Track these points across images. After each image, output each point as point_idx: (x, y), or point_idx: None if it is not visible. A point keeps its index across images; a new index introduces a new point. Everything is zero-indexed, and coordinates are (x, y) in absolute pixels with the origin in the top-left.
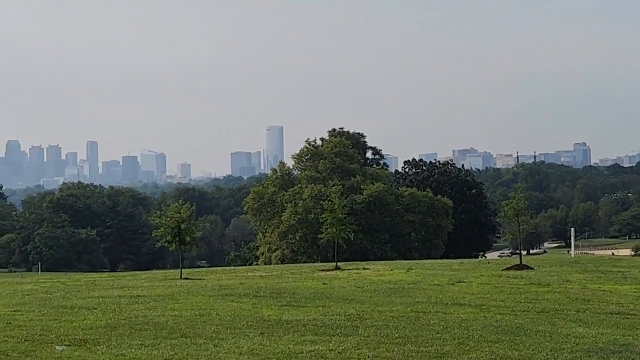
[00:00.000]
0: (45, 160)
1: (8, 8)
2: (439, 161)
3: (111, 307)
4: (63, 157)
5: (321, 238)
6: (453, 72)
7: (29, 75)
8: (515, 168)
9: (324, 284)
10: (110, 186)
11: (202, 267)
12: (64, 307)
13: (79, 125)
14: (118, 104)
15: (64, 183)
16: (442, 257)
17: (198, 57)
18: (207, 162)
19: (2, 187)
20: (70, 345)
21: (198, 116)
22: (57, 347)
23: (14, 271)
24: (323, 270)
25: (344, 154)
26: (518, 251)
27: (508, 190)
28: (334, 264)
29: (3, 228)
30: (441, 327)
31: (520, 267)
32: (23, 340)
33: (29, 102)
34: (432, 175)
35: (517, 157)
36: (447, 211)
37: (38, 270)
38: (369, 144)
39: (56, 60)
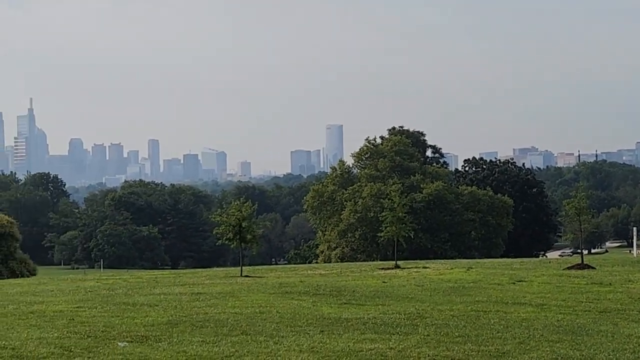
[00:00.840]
0: (107, 158)
1: (69, 9)
2: (499, 160)
3: (172, 304)
4: (125, 155)
5: (381, 236)
6: (514, 71)
7: (91, 75)
8: (576, 167)
9: (384, 282)
10: (171, 184)
11: (264, 264)
12: (126, 304)
13: (141, 124)
14: (180, 102)
15: (125, 181)
16: (502, 256)
17: (259, 57)
18: (267, 161)
19: (65, 184)
20: (132, 342)
21: (258, 115)
22: (119, 344)
23: (77, 268)
24: (383, 268)
25: (404, 152)
26: (579, 250)
27: (569, 189)
28: (394, 262)
29: (66, 225)
30: (502, 326)
31: (582, 266)
32: (86, 337)
33: (91, 101)
34: (493, 174)
35: (579, 156)
36: (507, 210)
37: (100, 267)
38: (429, 142)
39: (118, 59)
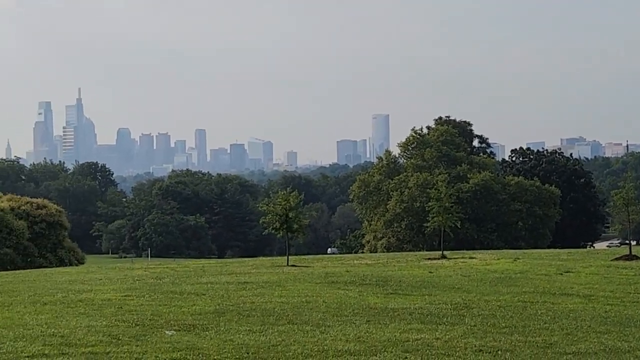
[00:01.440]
0: (154, 147)
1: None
2: (546, 150)
3: (219, 293)
4: (172, 145)
5: (427, 227)
6: (562, 60)
7: (138, 65)
8: (624, 157)
9: (430, 272)
10: (218, 174)
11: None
12: (173, 293)
13: (188, 114)
14: (226, 92)
15: (173, 170)
16: (549, 247)
17: (305, 46)
18: (313, 150)
19: (113, 174)
20: (179, 330)
21: (304, 104)
22: (166, 332)
23: (125, 257)
24: (429, 258)
25: (450, 142)
26: (627, 241)
27: (617, 180)
28: (440, 252)
29: (114, 214)
30: (549, 317)
31: (630, 257)
32: (134, 325)
33: (139, 91)
34: (540, 164)
35: (627, 146)
36: (554, 200)
37: (148, 256)
38: (476, 132)
39: (165, 49)
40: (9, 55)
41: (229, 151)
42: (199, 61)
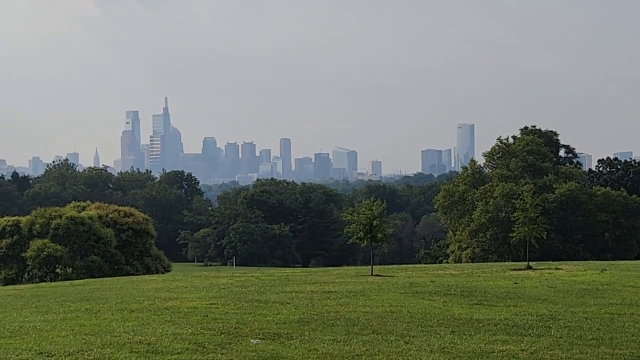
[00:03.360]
0: (240, 157)
1: (202, 7)
2: (634, 160)
3: (304, 302)
4: (257, 154)
5: (512, 237)
6: None
7: (222, 74)
8: None
9: (516, 283)
10: (302, 183)
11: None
12: (258, 301)
13: (273, 123)
14: (311, 101)
15: (258, 179)
16: (636, 258)
17: (391, 55)
18: (398, 160)
19: (199, 182)
20: (264, 339)
21: (389, 114)
22: (252, 341)
23: (210, 265)
24: (514, 269)
25: (536, 152)
26: None
27: None
28: (526, 263)
29: (199, 223)
30: (636, 330)
31: None
32: (219, 333)
33: (224, 100)
34: (627, 175)
35: None
36: None
37: (233, 265)
38: (562, 142)
39: (250, 58)
40: (97, 64)
41: (313, 160)
42: (283, 70)
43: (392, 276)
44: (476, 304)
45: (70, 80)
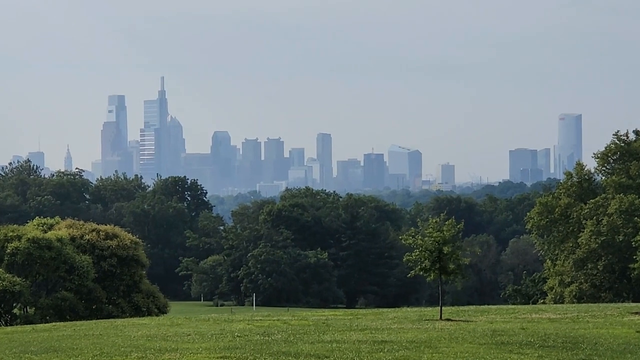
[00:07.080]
0: (262, 158)
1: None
2: None
3: (348, 355)
4: (286, 155)
5: (634, 268)
6: None
7: (238, 44)
8: None
9: (638, 332)
10: (347, 194)
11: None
12: (286, 355)
13: (307, 113)
14: (358, 86)
15: (287, 189)
16: None
17: (467, 27)
18: (476, 163)
19: (206, 193)
20: None
21: (465, 103)
22: None
23: (222, 305)
24: (636, 313)
25: None
26: None
27: None
28: None
29: (207, 247)
30: None
31: None
32: None
33: (240, 83)
34: None
35: None
36: None
37: (252, 304)
38: None
39: (275, 24)
40: (66, 32)
41: (362, 163)
42: (322, 42)
43: (468, 321)
44: None
45: (30, 55)
